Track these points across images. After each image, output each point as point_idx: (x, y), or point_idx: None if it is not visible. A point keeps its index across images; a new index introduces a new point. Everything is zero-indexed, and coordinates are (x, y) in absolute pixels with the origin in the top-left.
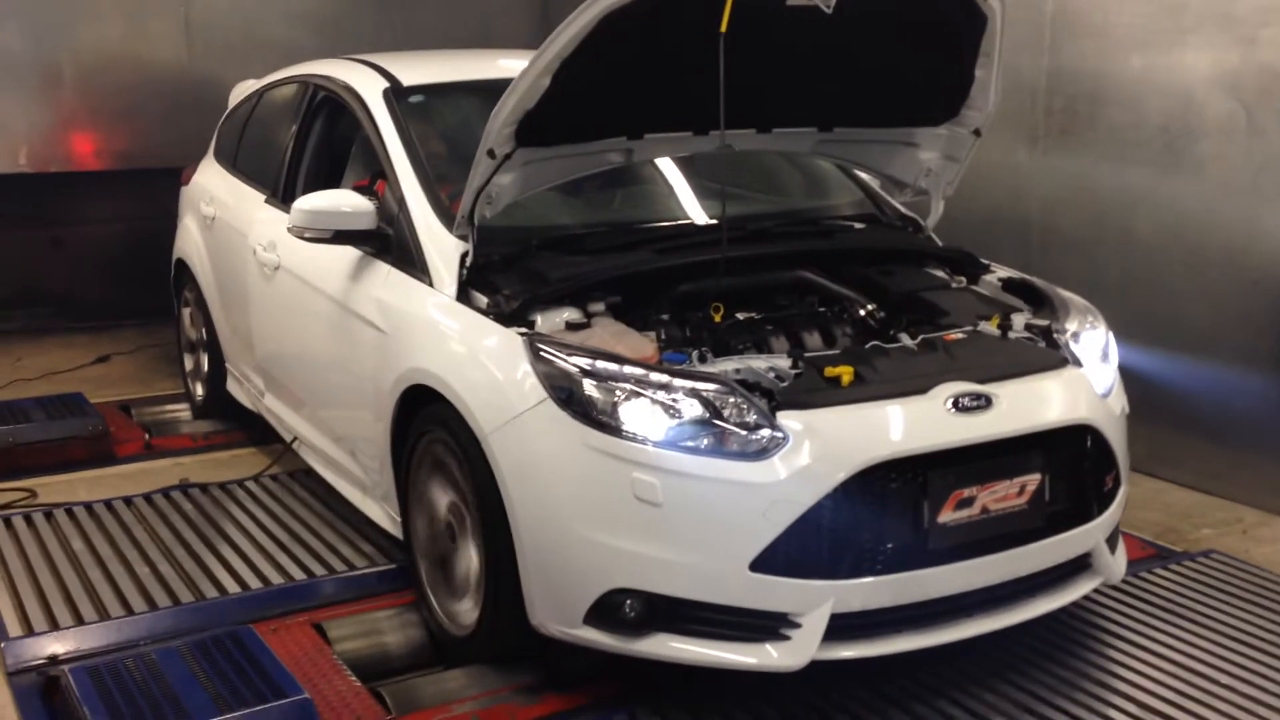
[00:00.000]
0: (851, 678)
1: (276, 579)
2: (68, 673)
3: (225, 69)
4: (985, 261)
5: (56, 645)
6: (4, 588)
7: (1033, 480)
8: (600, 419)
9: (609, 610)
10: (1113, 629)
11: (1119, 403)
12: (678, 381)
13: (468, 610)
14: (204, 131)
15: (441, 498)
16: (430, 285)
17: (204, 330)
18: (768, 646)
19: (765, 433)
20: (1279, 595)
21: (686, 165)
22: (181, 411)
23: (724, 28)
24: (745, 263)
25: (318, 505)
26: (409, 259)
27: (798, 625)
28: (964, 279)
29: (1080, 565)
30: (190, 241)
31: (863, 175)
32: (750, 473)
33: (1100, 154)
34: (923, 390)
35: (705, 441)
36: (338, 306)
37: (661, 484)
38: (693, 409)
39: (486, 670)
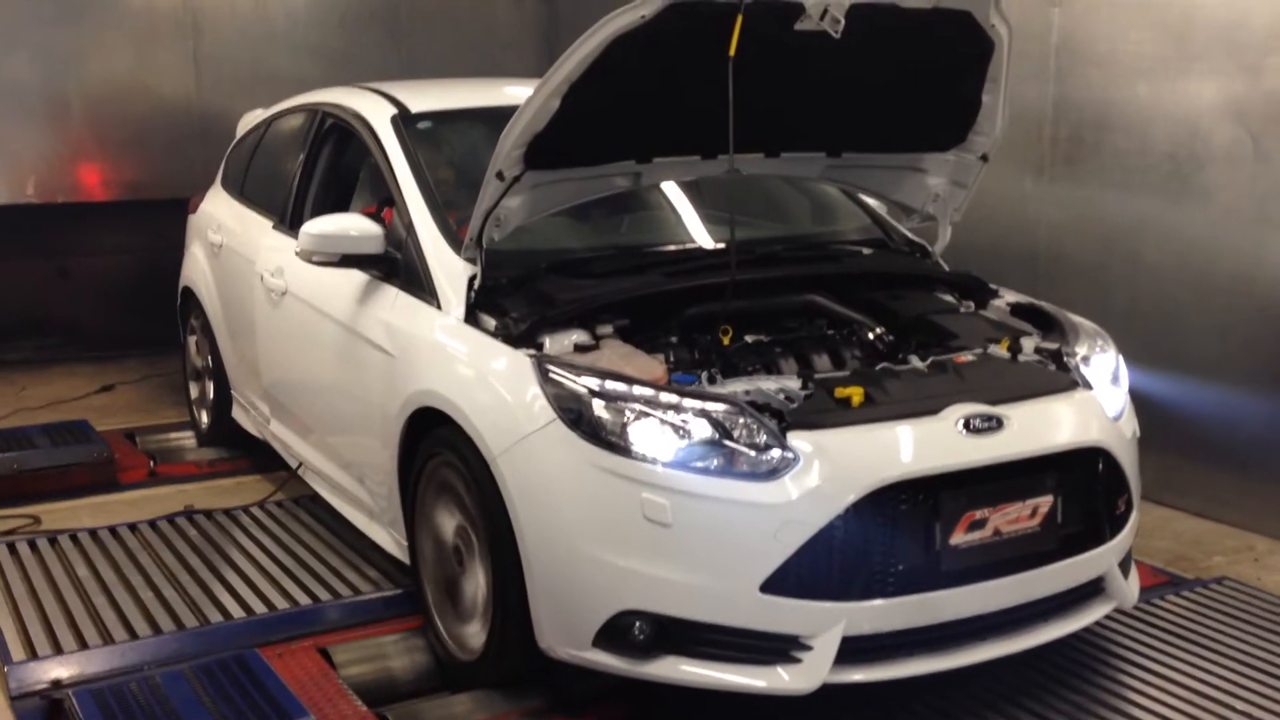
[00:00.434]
0: (863, 701)
1: (282, 604)
2: (71, 696)
3: (233, 101)
4: (993, 286)
5: (60, 669)
6: (8, 612)
7: (1045, 502)
8: (609, 439)
9: (618, 632)
10: (1126, 655)
11: (1130, 426)
12: (687, 402)
13: (474, 633)
14: (210, 163)
15: (449, 521)
16: (438, 308)
17: (210, 357)
18: (779, 669)
19: (775, 453)
20: None
21: (693, 191)
22: (186, 439)
23: (733, 51)
24: (753, 286)
25: (323, 531)
26: (417, 282)
27: (809, 648)
28: (972, 304)
29: (1093, 590)
30: (197, 269)
31: (869, 201)
32: (760, 493)
33: (1106, 182)
34: (934, 411)
35: (715, 462)
36: (345, 330)
37: (671, 504)
38: (702, 429)
39: (493, 694)
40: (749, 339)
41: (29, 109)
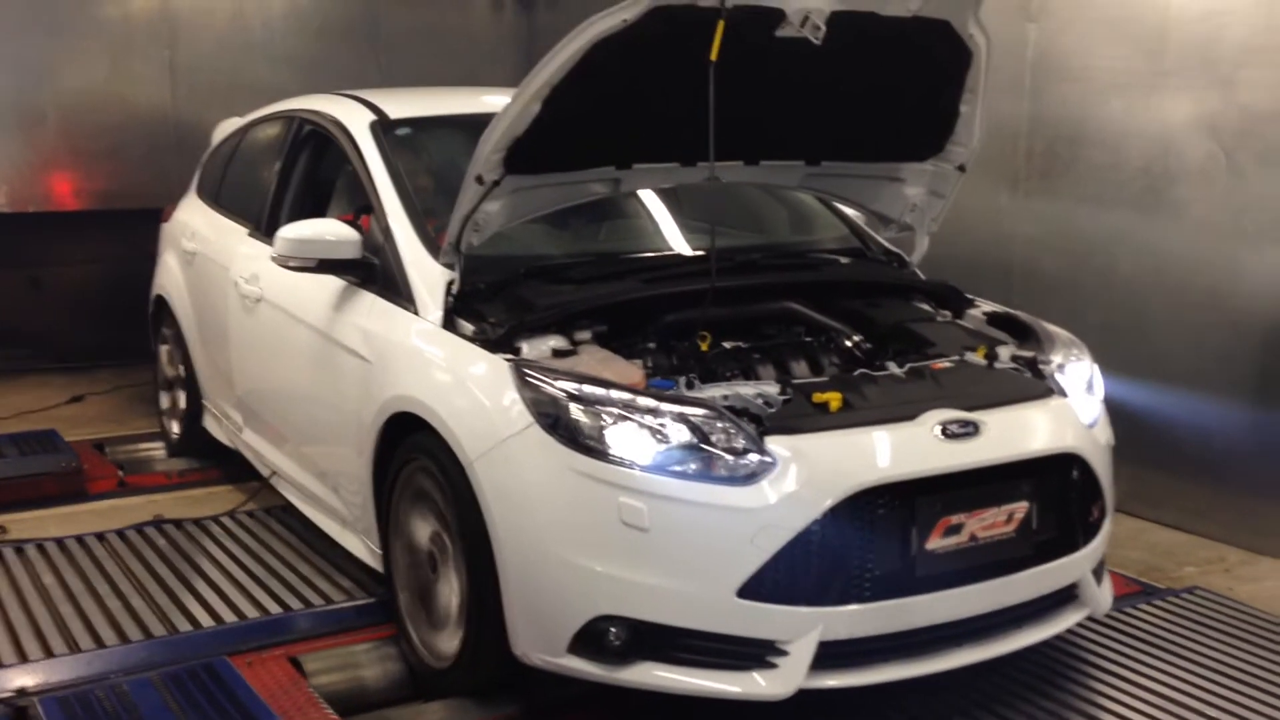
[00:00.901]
0: (838, 707)
1: (252, 613)
2: (37, 703)
3: (209, 112)
4: (969, 296)
5: (25, 678)
6: None
7: (1020, 508)
8: (587, 443)
9: (593, 638)
10: (1098, 662)
11: (1105, 434)
12: (665, 406)
13: (448, 641)
14: (185, 173)
15: (423, 528)
16: (415, 313)
17: (181, 367)
18: (755, 675)
19: (753, 458)
20: (1263, 631)
21: (672, 199)
22: (156, 450)
23: (714, 55)
24: (732, 293)
25: (295, 540)
26: (394, 288)
27: (785, 653)
28: (949, 312)
29: (1067, 597)
30: (170, 277)
31: (847, 210)
32: (738, 498)
33: (1081, 196)
34: (911, 417)
35: (693, 466)
36: (321, 337)
37: (648, 509)
38: (680, 433)
39: (466, 702)
40: (727, 345)
41: (2, 118)
